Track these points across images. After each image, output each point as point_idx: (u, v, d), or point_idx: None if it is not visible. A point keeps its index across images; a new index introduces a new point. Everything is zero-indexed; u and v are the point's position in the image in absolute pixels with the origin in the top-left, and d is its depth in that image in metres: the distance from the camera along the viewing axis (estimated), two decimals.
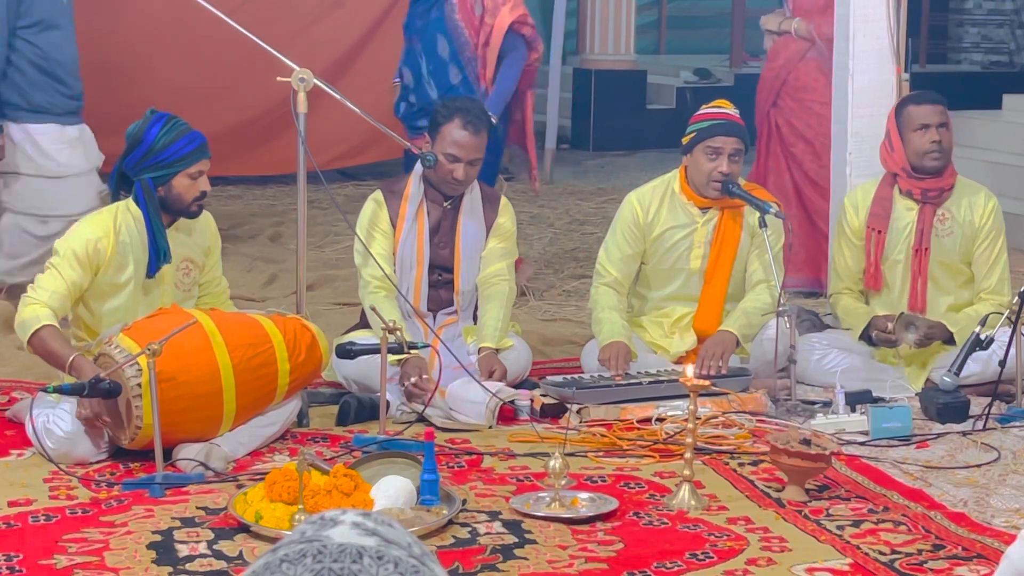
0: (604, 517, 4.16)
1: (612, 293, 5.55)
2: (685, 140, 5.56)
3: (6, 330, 6.02)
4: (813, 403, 5.21)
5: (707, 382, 4.49)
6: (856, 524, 4.14)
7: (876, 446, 4.86)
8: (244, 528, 4.00)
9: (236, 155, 9.53)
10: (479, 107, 5.44)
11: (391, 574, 1.36)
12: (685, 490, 4.27)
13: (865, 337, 5.51)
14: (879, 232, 5.58)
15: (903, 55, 6.09)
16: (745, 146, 5.51)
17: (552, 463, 4.23)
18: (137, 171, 4.76)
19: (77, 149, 6.23)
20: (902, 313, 5.46)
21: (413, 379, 5.01)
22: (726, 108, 5.57)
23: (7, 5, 6.04)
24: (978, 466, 4.67)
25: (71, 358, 4.51)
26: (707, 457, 4.71)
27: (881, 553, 3.93)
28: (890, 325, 5.39)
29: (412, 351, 4.93)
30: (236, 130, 9.41)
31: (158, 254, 4.78)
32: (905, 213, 5.57)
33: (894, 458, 4.73)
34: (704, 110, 5.62)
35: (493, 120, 6.05)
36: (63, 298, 4.68)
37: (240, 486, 4.33)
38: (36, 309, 4.62)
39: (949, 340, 5.41)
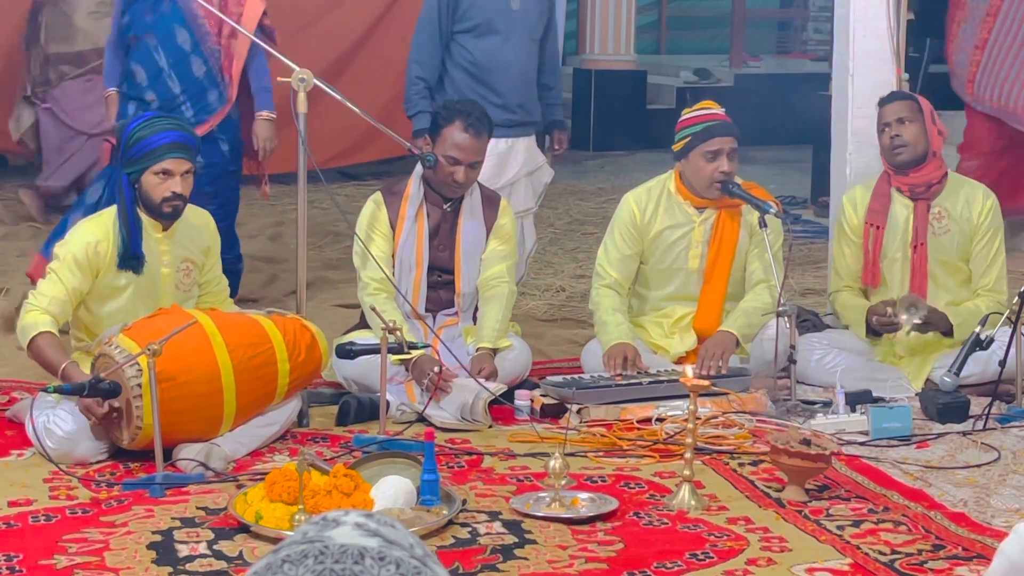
0: (604, 517, 4.15)
1: (613, 294, 5.54)
2: (677, 147, 5.49)
3: (6, 330, 6.03)
4: (813, 403, 5.21)
5: (707, 382, 4.49)
6: (856, 524, 4.14)
7: (876, 446, 4.86)
8: (244, 528, 4.00)
9: None
10: (480, 110, 5.42)
11: (392, 575, 1.37)
12: (685, 490, 4.27)
13: (870, 332, 5.50)
14: (877, 228, 5.58)
15: (903, 55, 6.09)
16: (738, 144, 5.49)
17: (552, 463, 4.23)
18: (121, 166, 4.77)
19: (494, 164, 5.88)
20: (905, 294, 5.45)
21: (430, 375, 4.98)
22: (714, 108, 5.54)
23: (440, 8, 5.98)
24: (978, 466, 4.67)
25: (63, 366, 4.52)
26: (707, 457, 4.71)
27: (881, 553, 3.93)
28: (889, 310, 5.37)
29: (412, 351, 4.93)
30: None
31: (126, 249, 4.74)
32: (901, 210, 5.58)
33: (894, 458, 4.73)
34: (691, 114, 5.54)
35: (272, 116, 6.01)
36: (63, 303, 4.69)
37: (240, 486, 4.33)
38: (36, 316, 4.63)
39: (948, 332, 5.40)
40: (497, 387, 5.08)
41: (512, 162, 6.15)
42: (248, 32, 5.82)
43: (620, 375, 5.24)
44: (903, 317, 5.32)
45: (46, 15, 8.48)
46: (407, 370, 5.14)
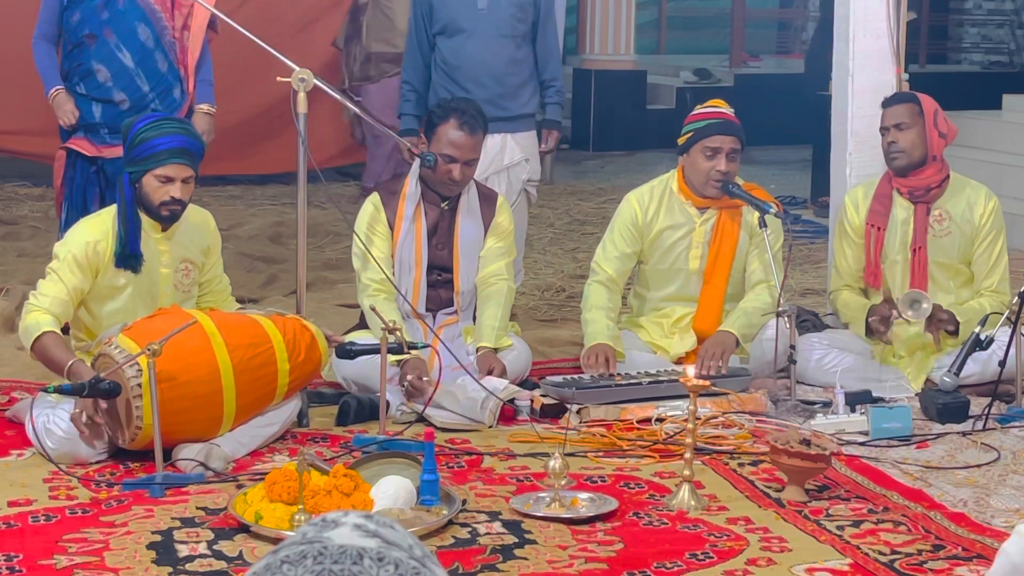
0: (604, 517, 4.15)
1: (604, 291, 5.55)
2: (681, 140, 5.56)
3: (6, 330, 6.02)
4: (813, 403, 5.21)
5: (707, 382, 4.49)
6: (856, 524, 4.14)
7: (876, 446, 4.86)
8: (244, 528, 4.00)
9: (236, 155, 9.53)
10: (475, 107, 5.44)
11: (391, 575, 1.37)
12: (685, 490, 4.27)
13: (869, 331, 5.50)
14: (879, 229, 5.59)
15: (903, 55, 6.09)
16: (742, 145, 5.51)
17: (552, 463, 4.22)
18: (125, 165, 4.77)
19: None
20: (908, 291, 5.45)
21: (410, 377, 5.00)
22: (722, 107, 5.58)
23: (417, 13, 6.21)
24: (978, 466, 4.67)
25: (69, 363, 4.52)
26: (707, 457, 4.71)
27: (881, 553, 3.92)
28: (894, 312, 5.36)
29: (412, 351, 4.93)
30: (236, 130, 9.40)
31: (124, 248, 4.74)
32: (901, 212, 5.58)
33: (894, 458, 4.73)
34: (699, 110, 5.62)
35: (214, 110, 5.85)
36: (64, 304, 4.68)
37: (240, 486, 4.33)
38: (37, 316, 4.63)
39: (955, 331, 5.39)
40: (508, 389, 5.07)
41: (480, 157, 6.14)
42: (202, 24, 5.79)
43: (619, 375, 5.24)
44: (908, 313, 5.32)
45: (368, 16, 9.39)
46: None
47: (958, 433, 5.00)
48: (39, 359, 4.66)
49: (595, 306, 5.51)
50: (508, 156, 6.24)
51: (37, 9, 5.91)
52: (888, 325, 5.38)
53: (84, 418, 4.45)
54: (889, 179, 5.61)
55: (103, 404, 4.48)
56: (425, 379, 5.02)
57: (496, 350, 5.28)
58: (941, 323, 5.36)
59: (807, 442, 4.36)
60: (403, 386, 5.05)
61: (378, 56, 9.38)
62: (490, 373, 5.13)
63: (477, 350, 5.27)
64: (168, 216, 4.79)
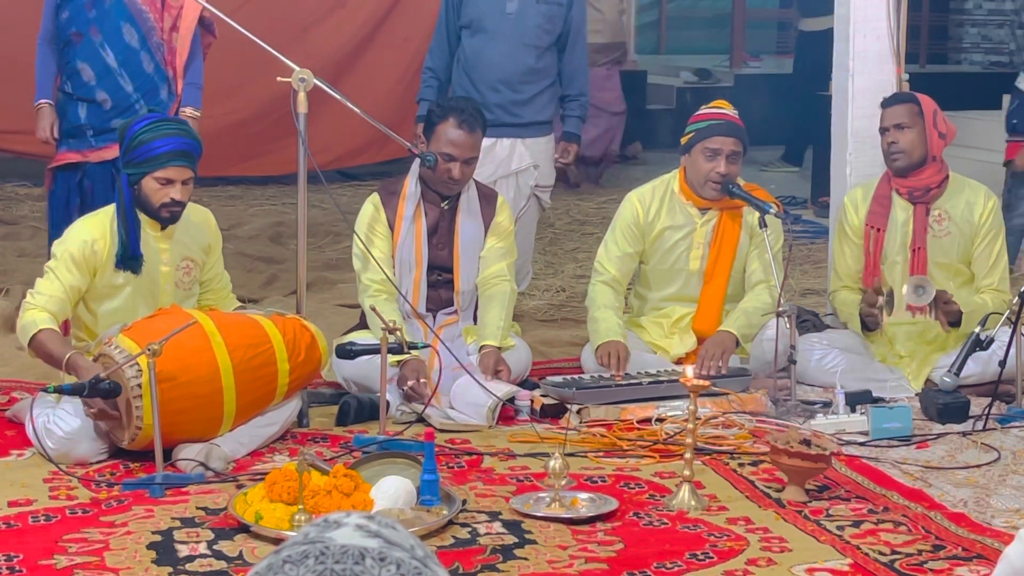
0: (604, 517, 4.16)
1: (609, 291, 5.55)
2: (684, 140, 5.57)
3: (6, 330, 6.02)
4: (813, 403, 5.21)
5: (707, 382, 4.49)
6: (856, 524, 4.15)
7: (876, 446, 4.86)
8: (244, 528, 4.00)
9: (236, 155, 9.52)
10: (473, 106, 5.43)
11: (393, 575, 1.37)
12: (685, 490, 4.27)
13: (864, 327, 5.50)
14: (878, 230, 5.59)
15: (903, 55, 6.09)
16: (744, 147, 5.52)
17: (552, 463, 4.23)
18: (121, 165, 4.77)
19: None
20: (913, 276, 5.44)
21: (410, 382, 5.00)
22: (725, 109, 5.58)
23: (450, 2, 6.18)
24: (978, 466, 4.67)
25: (67, 356, 4.52)
26: (707, 457, 4.71)
27: (881, 553, 3.93)
28: (880, 299, 5.36)
29: (412, 351, 4.93)
30: (236, 130, 9.40)
31: (125, 250, 4.74)
32: (901, 213, 5.58)
33: (894, 458, 4.74)
34: (703, 111, 5.63)
35: (198, 114, 5.74)
36: (61, 302, 4.69)
37: (240, 486, 4.33)
38: (34, 314, 4.63)
39: (956, 322, 5.39)
40: (507, 391, 5.07)
41: (487, 161, 6.01)
42: (190, 25, 5.73)
43: (619, 374, 5.24)
44: (915, 299, 5.29)
45: None
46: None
47: (958, 433, 5.00)
48: (38, 356, 4.67)
49: (604, 305, 5.50)
50: (516, 161, 6.20)
51: (37, 8, 5.91)
52: (876, 306, 5.36)
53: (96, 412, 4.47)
54: (888, 180, 5.61)
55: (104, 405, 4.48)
56: (423, 381, 5.01)
57: (500, 349, 5.27)
58: (947, 305, 5.35)
59: (807, 442, 4.36)
60: (402, 390, 5.05)
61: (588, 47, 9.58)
62: (496, 375, 5.12)
63: (481, 348, 5.26)
64: (168, 217, 4.79)
